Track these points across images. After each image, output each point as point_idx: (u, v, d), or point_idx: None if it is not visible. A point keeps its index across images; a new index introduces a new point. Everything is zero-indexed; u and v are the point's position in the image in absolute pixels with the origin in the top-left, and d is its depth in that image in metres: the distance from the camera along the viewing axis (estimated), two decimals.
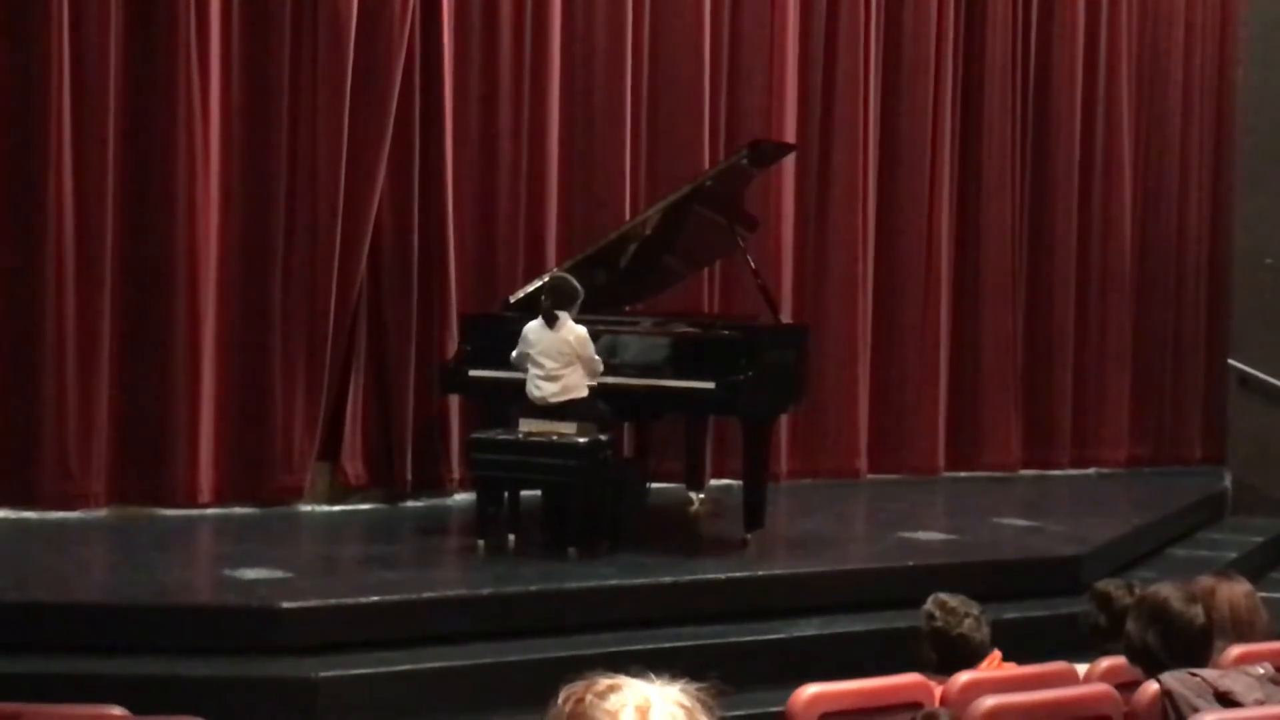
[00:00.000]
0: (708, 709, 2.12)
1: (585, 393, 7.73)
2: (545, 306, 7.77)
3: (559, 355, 7.68)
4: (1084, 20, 11.83)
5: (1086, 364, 11.97)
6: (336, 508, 9.10)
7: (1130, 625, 4.21)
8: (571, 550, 7.56)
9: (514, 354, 7.85)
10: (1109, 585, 5.09)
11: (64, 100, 8.32)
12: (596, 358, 7.76)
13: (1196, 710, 3.84)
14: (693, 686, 2.13)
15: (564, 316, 7.71)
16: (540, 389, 7.71)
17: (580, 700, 2.10)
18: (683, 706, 2.09)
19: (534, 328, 7.77)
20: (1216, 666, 4.13)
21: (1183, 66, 12.37)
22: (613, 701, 2.08)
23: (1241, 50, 11.45)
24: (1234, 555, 9.18)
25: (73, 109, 8.36)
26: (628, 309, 8.94)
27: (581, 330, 7.71)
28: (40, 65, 8.30)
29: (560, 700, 2.12)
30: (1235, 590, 4.61)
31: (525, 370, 7.79)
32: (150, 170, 8.64)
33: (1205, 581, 4.61)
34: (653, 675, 2.13)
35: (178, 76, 8.57)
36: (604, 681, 2.11)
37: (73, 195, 8.37)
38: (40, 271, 8.34)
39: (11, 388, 8.38)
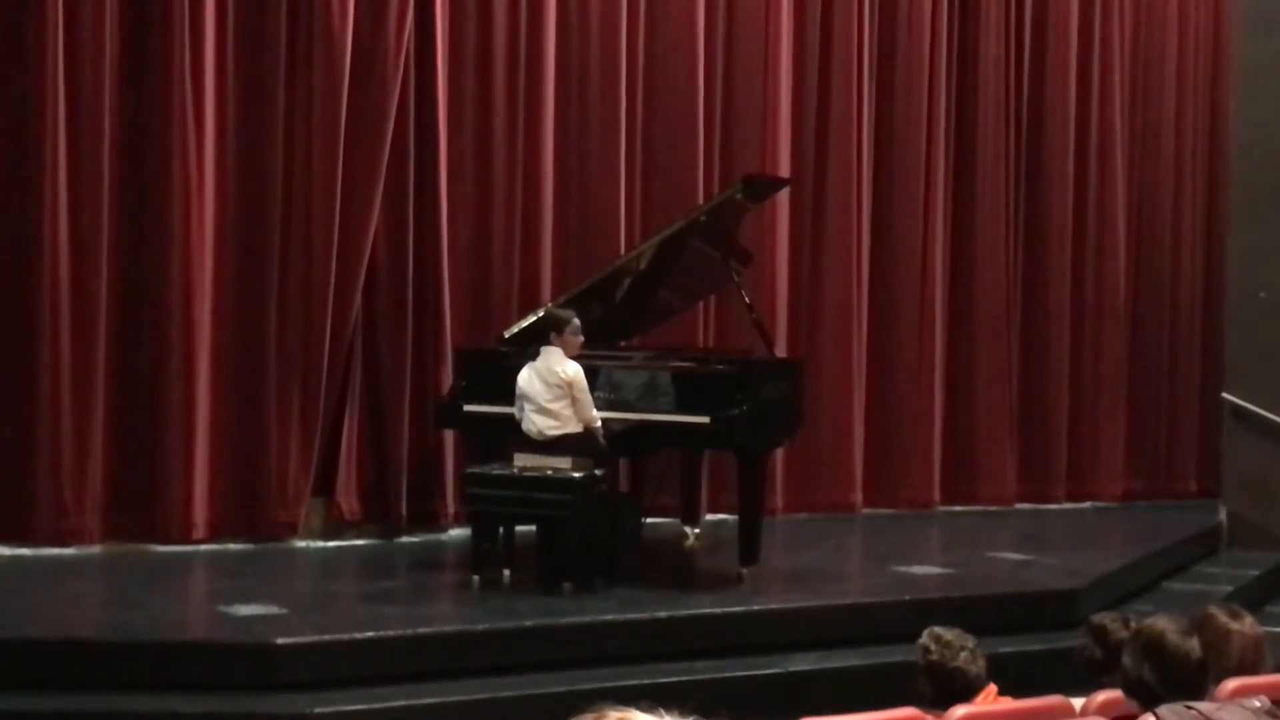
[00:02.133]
0: None
1: (579, 426, 7.72)
2: (535, 348, 7.78)
3: (550, 387, 7.67)
4: (1077, 56, 11.88)
5: (1081, 398, 11.98)
6: (331, 543, 9.09)
7: (1126, 659, 4.18)
8: (566, 585, 7.55)
9: (515, 408, 7.84)
10: (1105, 619, 5.06)
11: (59, 139, 8.33)
12: (591, 403, 7.70)
13: None
14: None
15: (554, 345, 7.71)
16: (534, 423, 7.70)
17: None
18: None
19: (526, 370, 7.77)
20: (1213, 699, 4.12)
21: (1176, 101, 12.43)
22: None
23: (1234, 86, 11.48)
24: (1229, 589, 9.16)
25: (68, 144, 8.36)
26: (623, 344, 8.94)
27: (575, 369, 7.67)
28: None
29: None
30: (1247, 639, 4.56)
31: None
32: (145, 205, 8.65)
33: (1219, 623, 4.56)
34: (661, 710, 2.11)
35: (172, 110, 8.58)
36: (612, 713, 2.10)
37: (67, 232, 8.37)
38: (34, 309, 8.34)
39: (6, 424, 8.37)
